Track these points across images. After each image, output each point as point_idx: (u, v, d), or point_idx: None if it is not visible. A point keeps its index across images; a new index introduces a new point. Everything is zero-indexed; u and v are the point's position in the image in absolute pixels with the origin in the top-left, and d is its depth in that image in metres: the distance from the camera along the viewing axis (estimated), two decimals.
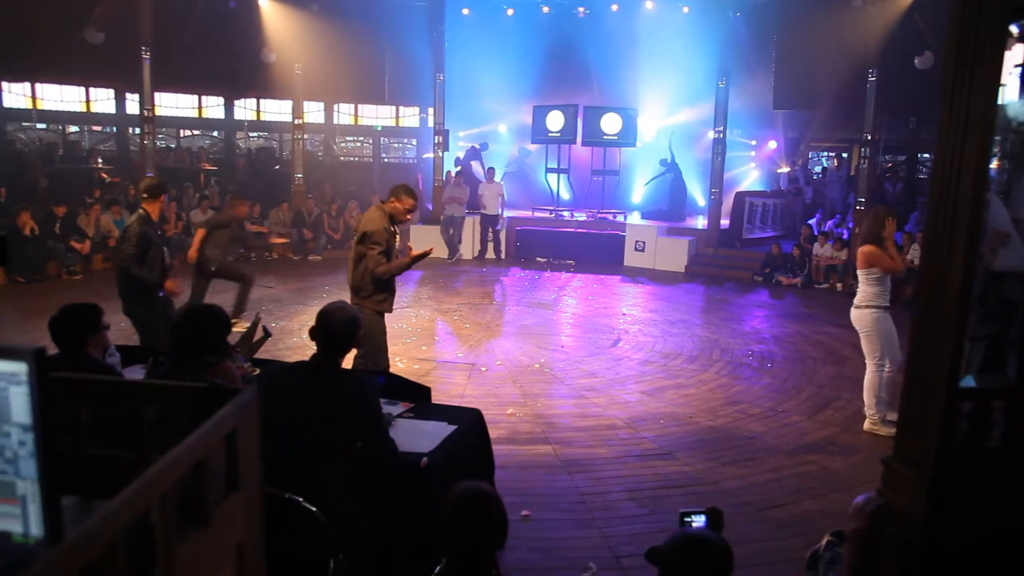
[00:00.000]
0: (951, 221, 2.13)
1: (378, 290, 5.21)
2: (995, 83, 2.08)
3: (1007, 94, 2.23)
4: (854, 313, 6.02)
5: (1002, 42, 2.10)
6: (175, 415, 1.83)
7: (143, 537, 1.23)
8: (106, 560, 1.11)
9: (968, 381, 2.25)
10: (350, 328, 3.20)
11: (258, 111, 18.34)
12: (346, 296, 6.90)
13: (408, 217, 5.32)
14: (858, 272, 6.03)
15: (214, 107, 17.96)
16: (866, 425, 6.04)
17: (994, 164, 2.30)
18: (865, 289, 5.95)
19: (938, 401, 2.18)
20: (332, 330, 3.16)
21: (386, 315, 5.33)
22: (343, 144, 19.67)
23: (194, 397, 1.66)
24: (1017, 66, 2.26)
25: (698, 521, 2.69)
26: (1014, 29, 2.11)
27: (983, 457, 2.29)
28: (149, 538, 1.24)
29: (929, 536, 2.22)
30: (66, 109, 16.47)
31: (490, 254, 14.54)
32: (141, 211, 6.05)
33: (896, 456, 2.36)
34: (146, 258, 5.81)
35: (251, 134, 18.96)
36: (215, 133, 18.70)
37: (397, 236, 5.32)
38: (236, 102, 17.88)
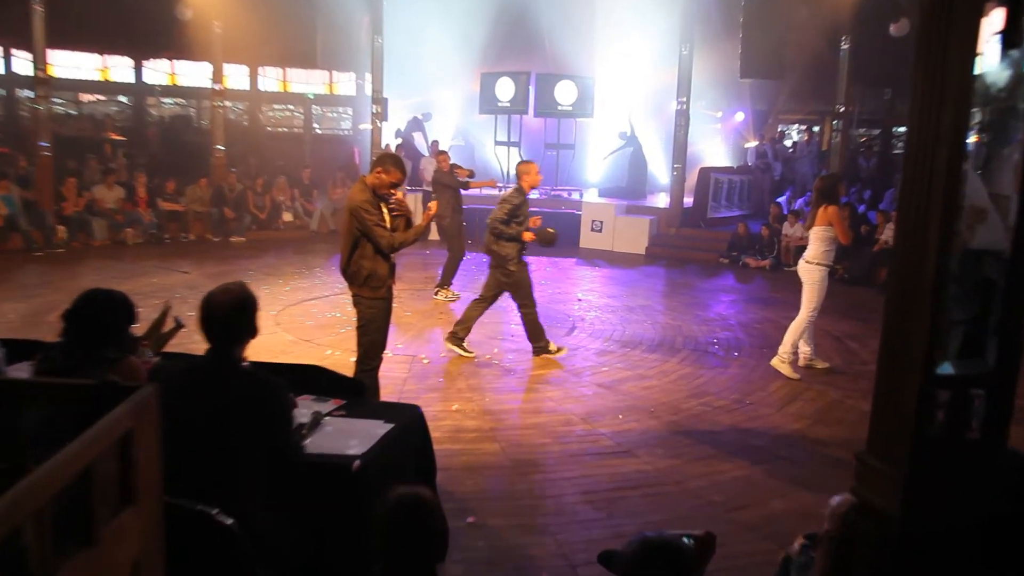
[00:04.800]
0: (926, 195, 2.15)
1: (375, 275, 5.15)
2: (972, 45, 2.10)
3: (985, 62, 2.26)
4: (804, 266, 7.07)
5: (979, 1, 2.13)
6: (62, 418, 1.74)
7: (15, 561, 1.15)
8: None
9: (946, 368, 2.28)
10: (235, 313, 3.00)
11: (172, 74, 17.87)
12: (271, 282, 6.76)
13: (392, 192, 5.17)
14: (814, 229, 6.97)
15: (121, 68, 17.42)
16: (774, 361, 7.23)
17: (973, 138, 2.33)
18: (818, 247, 6.94)
19: (913, 390, 2.20)
20: (214, 315, 2.99)
21: (314, 302, 5.21)
22: (270, 113, 19.31)
23: (82, 396, 1.58)
24: (996, 33, 2.28)
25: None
26: None
27: (962, 449, 2.32)
28: (21, 562, 1.16)
29: (906, 534, 2.25)
30: None
31: (433, 235, 14.43)
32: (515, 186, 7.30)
33: (869, 450, 2.38)
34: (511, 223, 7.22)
35: (164, 100, 18.44)
36: (122, 98, 18.14)
37: (385, 211, 5.18)
38: (146, 63, 17.39)
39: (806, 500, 4.76)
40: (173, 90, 18.29)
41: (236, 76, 17.37)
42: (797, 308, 7.19)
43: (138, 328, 3.45)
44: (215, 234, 13.81)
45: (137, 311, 3.29)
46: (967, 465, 2.32)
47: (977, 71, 2.19)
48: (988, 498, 2.32)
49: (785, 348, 7.19)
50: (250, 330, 3.05)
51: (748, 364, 7.50)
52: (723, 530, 4.35)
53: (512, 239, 7.30)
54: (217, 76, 14.87)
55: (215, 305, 3.00)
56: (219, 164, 14.68)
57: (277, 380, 3.02)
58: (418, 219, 5.39)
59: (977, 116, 2.30)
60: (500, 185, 13.84)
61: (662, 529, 3.99)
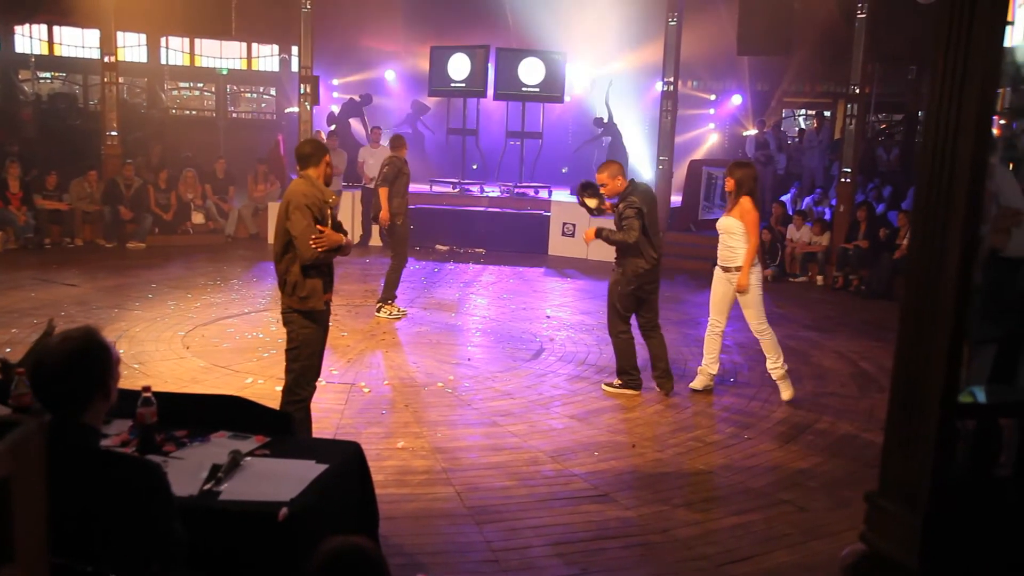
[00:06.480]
0: (946, 194, 2.19)
1: (304, 283, 5.17)
2: (1002, 10, 2.13)
3: (1017, 34, 2.30)
4: (733, 278, 7.33)
5: None
6: None
7: None
8: None
9: (970, 394, 2.33)
10: (74, 369, 2.71)
11: (51, 42, 17.69)
12: (179, 296, 6.71)
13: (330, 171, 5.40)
14: (733, 226, 7.33)
15: None
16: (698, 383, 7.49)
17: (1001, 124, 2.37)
18: (738, 247, 7.30)
19: (931, 420, 2.23)
20: (45, 372, 2.72)
21: (232, 321, 5.21)
22: (174, 92, 19.16)
23: None
24: None
25: None
26: None
27: (989, 489, 2.36)
28: None
29: None
30: None
31: (375, 240, 14.41)
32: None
33: (882, 490, 2.41)
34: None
35: (41, 74, 18.25)
36: None
37: (330, 217, 5.28)
38: (18, 28, 17.20)
39: (815, 551, 4.82)
40: (53, 62, 18.10)
41: (132, 47, 17.20)
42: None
43: (12, 353, 3.43)
44: (108, 239, 13.67)
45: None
46: (996, 507, 2.36)
47: (1007, 43, 2.22)
48: (1020, 545, 2.36)
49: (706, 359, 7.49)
50: (100, 391, 2.79)
51: (746, 393, 7.59)
52: None
53: None
54: (108, 46, 14.68)
55: (48, 357, 2.73)
56: (112, 154, 14.49)
57: (147, 461, 2.89)
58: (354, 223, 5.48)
59: (1005, 99, 2.35)
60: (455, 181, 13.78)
61: None
